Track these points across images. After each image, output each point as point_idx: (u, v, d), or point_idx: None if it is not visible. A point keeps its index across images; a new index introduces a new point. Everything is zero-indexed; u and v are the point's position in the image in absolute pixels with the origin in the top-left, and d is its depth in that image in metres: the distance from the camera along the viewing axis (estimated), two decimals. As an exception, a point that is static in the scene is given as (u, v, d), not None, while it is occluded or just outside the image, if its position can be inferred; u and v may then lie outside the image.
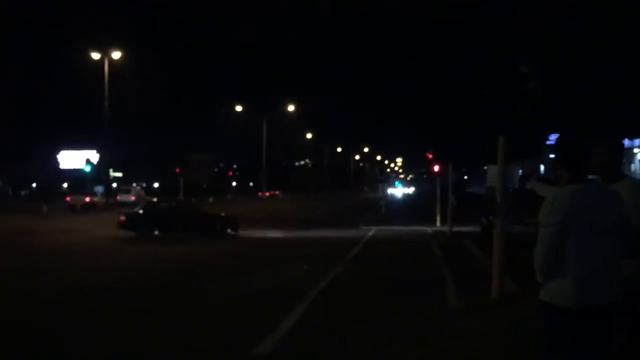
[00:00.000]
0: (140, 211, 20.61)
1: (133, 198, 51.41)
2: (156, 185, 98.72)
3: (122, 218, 20.02)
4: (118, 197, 51.79)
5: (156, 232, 19.44)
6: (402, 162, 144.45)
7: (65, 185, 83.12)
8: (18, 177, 76.74)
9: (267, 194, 77.25)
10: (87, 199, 44.11)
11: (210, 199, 58.39)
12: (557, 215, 3.01)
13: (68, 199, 44.31)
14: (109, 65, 40.94)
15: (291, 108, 66.67)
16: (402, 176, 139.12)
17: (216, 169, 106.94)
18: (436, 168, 21.85)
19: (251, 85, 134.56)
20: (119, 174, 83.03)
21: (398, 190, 74.23)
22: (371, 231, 21.72)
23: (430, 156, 22.38)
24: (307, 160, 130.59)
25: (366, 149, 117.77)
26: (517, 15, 8.95)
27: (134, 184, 53.72)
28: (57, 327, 7.09)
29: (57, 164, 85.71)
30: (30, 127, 72.79)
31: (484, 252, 13.16)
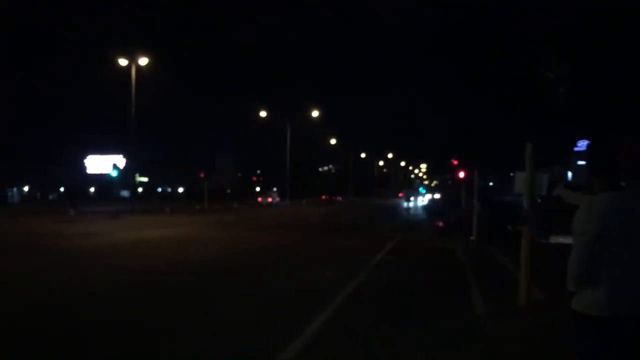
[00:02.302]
0: (453, 218, 21.28)
1: (270, 200, 65.64)
2: (181, 189, 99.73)
3: (441, 225, 20.56)
4: (260, 199, 65.74)
5: (471, 238, 19.66)
6: (427, 168, 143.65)
7: (92, 189, 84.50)
8: (46, 181, 78.13)
9: (323, 197, 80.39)
10: (270, 199, 64.57)
11: (235, 204, 58.76)
12: (593, 223, 2.99)
13: (260, 199, 64.86)
14: (125, 70, 41.58)
15: (315, 113, 66.90)
16: (426, 182, 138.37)
17: (239, 174, 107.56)
18: (461, 174, 21.68)
19: (264, 88, 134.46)
20: (145, 179, 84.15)
21: (421, 197, 73.86)
22: (396, 237, 21.62)
23: (455, 162, 22.20)
24: (330, 166, 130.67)
25: (390, 155, 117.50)
26: (538, 18, 8.88)
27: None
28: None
29: (85, 168, 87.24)
30: (58, 132, 74.13)
31: (511, 259, 13.04)
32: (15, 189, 75.34)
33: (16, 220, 30.58)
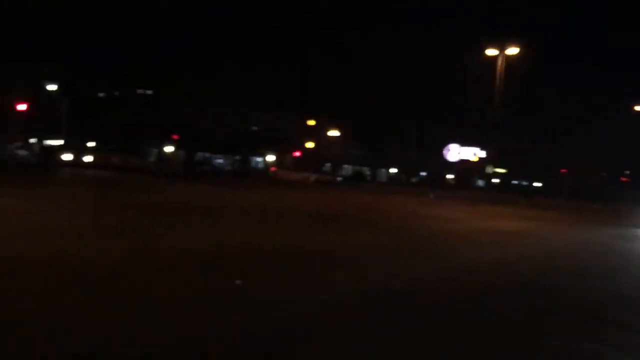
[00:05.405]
0: None
1: None
2: (537, 184, 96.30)
3: None
4: None
5: None
6: None
7: (451, 176, 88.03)
8: (411, 165, 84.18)
9: None
10: None
11: (596, 205, 54.11)
12: None
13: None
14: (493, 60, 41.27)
15: None
16: None
17: (604, 173, 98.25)
18: None
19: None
20: (503, 170, 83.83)
21: None
22: None
23: None
24: None
25: None
26: None
27: None
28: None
29: (446, 156, 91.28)
30: (427, 119, 78.76)
31: None
32: (382, 170, 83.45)
33: (384, 198, 33.98)
